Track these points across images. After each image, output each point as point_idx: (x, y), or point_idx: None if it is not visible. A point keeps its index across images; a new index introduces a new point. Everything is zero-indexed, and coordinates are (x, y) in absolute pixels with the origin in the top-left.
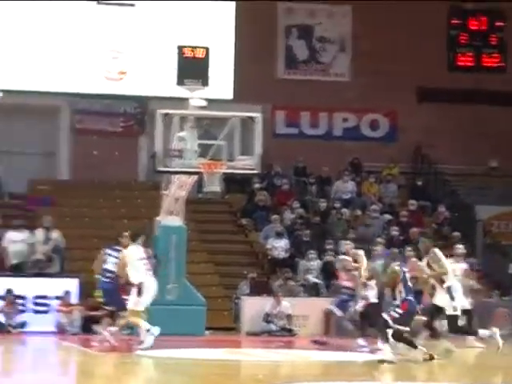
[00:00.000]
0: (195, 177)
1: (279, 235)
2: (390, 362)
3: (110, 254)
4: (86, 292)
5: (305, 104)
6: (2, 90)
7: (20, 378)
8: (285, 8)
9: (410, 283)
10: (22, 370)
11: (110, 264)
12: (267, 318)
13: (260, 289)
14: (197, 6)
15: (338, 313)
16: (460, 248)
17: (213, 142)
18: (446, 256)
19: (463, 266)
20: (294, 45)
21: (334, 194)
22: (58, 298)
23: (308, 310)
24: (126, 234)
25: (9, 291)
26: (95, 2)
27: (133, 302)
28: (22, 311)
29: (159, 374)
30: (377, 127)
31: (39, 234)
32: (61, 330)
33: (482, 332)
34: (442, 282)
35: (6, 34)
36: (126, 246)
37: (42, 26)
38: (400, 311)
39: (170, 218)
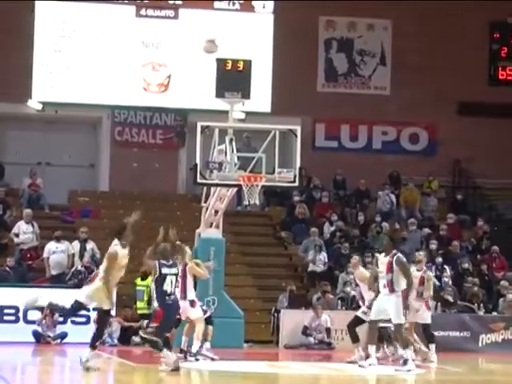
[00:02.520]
0: (234, 189)
1: (318, 248)
2: None
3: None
4: (122, 303)
5: (344, 117)
6: (44, 102)
7: None
8: (325, 21)
9: None
10: (62, 381)
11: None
12: (306, 331)
13: (299, 302)
14: (237, 18)
15: None
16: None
17: (252, 155)
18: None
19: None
20: (334, 58)
21: (373, 206)
22: (96, 309)
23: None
24: None
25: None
26: (135, 14)
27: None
28: (62, 322)
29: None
30: (416, 140)
31: (76, 245)
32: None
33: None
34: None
35: (48, 47)
36: None
37: (84, 39)
38: None
39: (210, 231)
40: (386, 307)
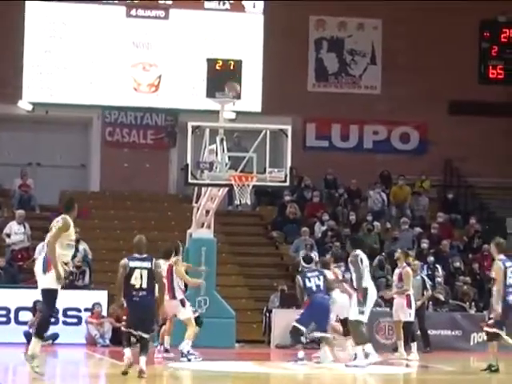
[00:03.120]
0: (225, 189)
1: (309, 247)
2: None
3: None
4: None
5: (335, 116)
6: (34, 103)
7: None
8: (315, 21)
9: None
10: (53, 383)
11: None
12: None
13: (290, 301)
14: (227, 18)
15: None
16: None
17: (243, 155)
18: None
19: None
20: (324, 57)
21: (364, 205)
22: (87, 310)
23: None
24: None
25: (37, 302)
26: (126, 15)
27: None
28: (53, 323)
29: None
30: (407, 140)
31: None
32: (91, 342)
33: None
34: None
35: (39, 47)
36: None
37: (74, 39)
38: None
39: (201, 231)
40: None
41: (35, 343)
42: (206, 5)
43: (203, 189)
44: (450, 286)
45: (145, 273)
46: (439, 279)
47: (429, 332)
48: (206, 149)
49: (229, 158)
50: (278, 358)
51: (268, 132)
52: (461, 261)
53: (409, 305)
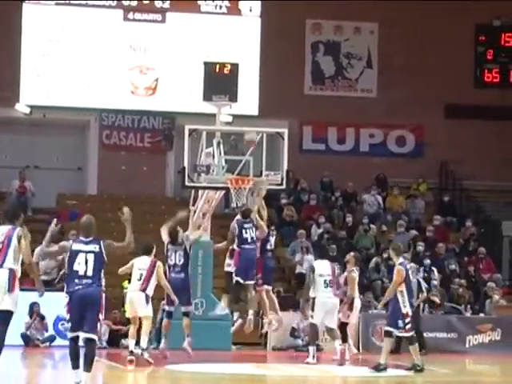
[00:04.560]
0: (222, 192)
1: (305, 250)
2: None
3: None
4: (111, 306)
5: (331, 120)
6: (32, 106)
7: None
8: (312, 24)
9: None
10: None
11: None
12: (294, 332)
13: (287, 303)
14: (224, 21)
15: None
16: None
17: (240, 158)
18: None
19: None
20: (320, 60)
21: (360, 208)
22: None
23: (335, 325)
24: None
25: (34, 304)
26: (123, 18)
27: None
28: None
29: None
30: (403, 143)
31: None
32: None
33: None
34: None
35: (34, 49)
36: None
37: (72, 43)
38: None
39: (197, 233)
40: None
41: None
42: (203, 8)
43: (200, 191)
44: (446, 289)
45: (90, 257)
46: (435, 282)
47: (424, 334)
48: (202, 152)
49: (225, 160)
50: (275, 360)
51: (264, 135)
52: (456, 263)
53: (349, 308)
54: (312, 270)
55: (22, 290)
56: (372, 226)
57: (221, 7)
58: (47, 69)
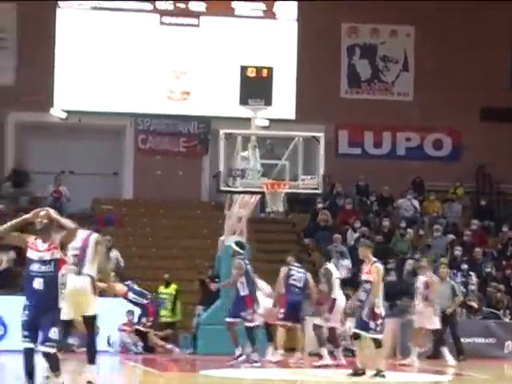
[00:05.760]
0: (258, 196)
1: (340, 254)
2: None
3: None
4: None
5: (368, 123)
6: (68, 111)
7: None
8: (348, 27)
9: None
10: None
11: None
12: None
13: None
14: (260, 25)
15: None
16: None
17: (276, 162)
18: None
19: None
20: (357, 64)
21: (397, 212)
22: (121, 317)
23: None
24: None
25: None
26: (159, 23)
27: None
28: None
29: None
30: (440, 146)
31: None
32: (124, 350)
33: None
34: None
35: (69, 54)
36: None
37: (107, 47)
38: None
39: (233, 238)
40: None
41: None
42: (238, 12)
43: (235, 196)
44: (484, 294)
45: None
46: (473, 287)
47: (462, 340)
48: (238, 156)
49: (261, 165)
50: (311, 366)
51: (301, 139)
52: (494, 268)
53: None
54: (330, 273)
55: None
56: (409, 230)
57: (256, 11)
58: (83, 73)
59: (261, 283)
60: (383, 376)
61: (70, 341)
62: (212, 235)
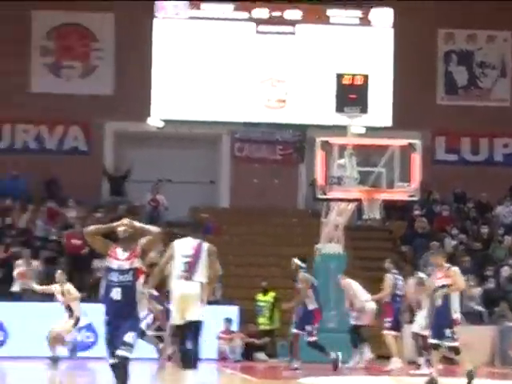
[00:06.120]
0: (354, 204)
1: None
2: None
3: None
4: (245, 319)
5: (465, 130)
6: (164, 120)
7: None
8: (444, 33)
9: None
10: None
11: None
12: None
13: None
14: (356, 32)
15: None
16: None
17: (372, 169)
18: None
19: None
20: (453, 70)
21: (495, 219)
22: (218, 325)
23: (471, 339)
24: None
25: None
26: (255, 31)
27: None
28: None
29: None
30: None
31: None
32: (222, 357)
33: None
34: None
35: (167, 64)
36: None
37: (203, 56)
38: None
39: (330, 246)
40: None
41: None
42: (333, 20)
43: (332, 204)
44: None
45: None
46: None
47: None
48: (334, 164)
49: (358, 172)
50: (407, 374)
51: (397, 146)
52: None
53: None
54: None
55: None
56: (506, 237)
57: (352, 19)
58: (179, 83)
59: (358, 288)
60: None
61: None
62: (308, 243)
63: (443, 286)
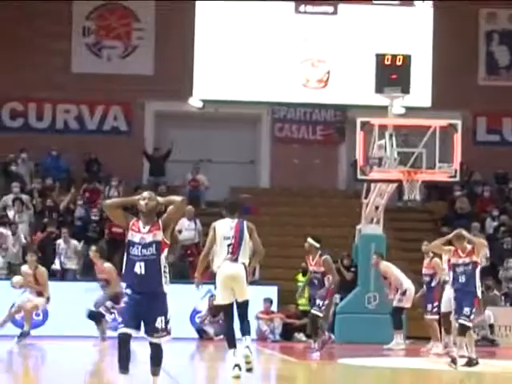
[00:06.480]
0: (395, 185)
1: None
2: None
3: None
4: (284, 300)
5: (506, 110)
6: (204, 100)
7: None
8: (486, 13)
9: None
10: (225, 377)
11: None
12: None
13: None
14: (397, 12)
15: None
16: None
17: (412, 150)
18: None
19: None
20: (495, 50)
21: None
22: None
23: (511, 320)
24: None
25: (211, 297)
26: (294, 10)
27: None
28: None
29: (357, 381)
30: None
31: None
32: (262, 338)
33: None
34: None
35: (207, 44)
36: None
37: (244, 36)
38: None
39: (371, 227)
40: None
41: None
42: None
43: (372, 184)
44: None
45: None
46: None
47: None
48: (375, 144)
49: (398, 153)
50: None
51: (438, 127)
52: None
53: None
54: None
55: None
56: None
57: None
58: (220, 63)
59: (398, 271)
60: (475, 364)
61: (208, 329)
62: (349, 224)
63: (467, 264)
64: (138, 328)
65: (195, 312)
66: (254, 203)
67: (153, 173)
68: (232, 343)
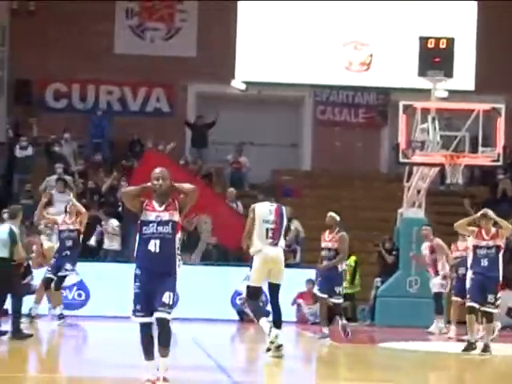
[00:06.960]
0: (437, 168)
1: None
2: None
3: None
4: None
5: None
6: (247, 82)
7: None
8: None
9: None
10: (266, 360)
11: None
12: (510, 312)
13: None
14: None
15: None
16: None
17: (455, 134)
18: None
19: None
20: None
21: None
22: (298, 288)
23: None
24: None
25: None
26: None
27: None
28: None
29: (398, 365)
30: None
31: None
32: (302, 320)
33: None
34: None
35: (250, 26)
36: None
37: (285, 18)
38: None
39: (412, 211)
40: None
41: None
42: None
43: (414, 168)
44: None
45: None
46: None
47: None
48: (417, 128)
49: (440, 136)
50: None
51: (481, 110)
52: None
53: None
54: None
55: (232, 265)
56: None
57: None
58: (262, 45)
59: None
60: (489, 352)
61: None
62: (390, 207)
63: (490, 248)
64: (151, 314)
65: (236, 294)
66: (296, 186)
67: (195, 143)
68: (263, 313)
